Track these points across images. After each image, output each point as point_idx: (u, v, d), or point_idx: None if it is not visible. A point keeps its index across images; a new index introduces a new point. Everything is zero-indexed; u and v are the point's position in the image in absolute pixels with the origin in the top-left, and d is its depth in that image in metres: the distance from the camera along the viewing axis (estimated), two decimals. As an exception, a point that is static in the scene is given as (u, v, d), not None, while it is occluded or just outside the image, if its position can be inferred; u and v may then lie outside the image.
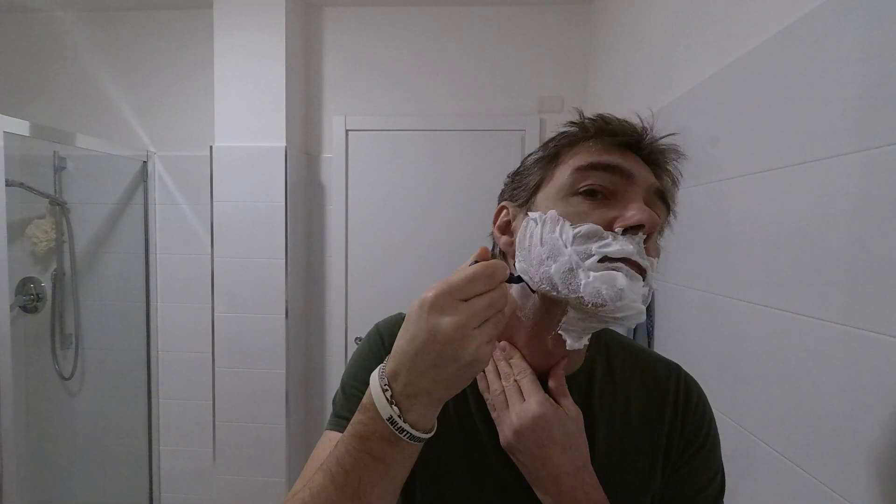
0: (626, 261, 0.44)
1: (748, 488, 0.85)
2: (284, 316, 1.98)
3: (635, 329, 1.32)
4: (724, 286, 0.96)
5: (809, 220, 0.72)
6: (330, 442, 0.51)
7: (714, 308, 1.00)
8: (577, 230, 0.45)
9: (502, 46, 2.12)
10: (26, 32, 2.17)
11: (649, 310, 1.31)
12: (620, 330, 0.79)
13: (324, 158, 2.19)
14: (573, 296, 0.45)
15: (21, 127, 1.51)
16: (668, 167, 0.51)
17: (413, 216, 2.16)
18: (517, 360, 0.53)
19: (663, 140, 0.51)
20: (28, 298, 2.10)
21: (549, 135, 0.56)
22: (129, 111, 2.17)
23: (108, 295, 2.19)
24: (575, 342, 0.47)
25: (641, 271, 0.45)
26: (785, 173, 0.78)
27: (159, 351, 2.22)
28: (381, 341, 0.58)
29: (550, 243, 0.46)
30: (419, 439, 0.40)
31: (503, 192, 0.59)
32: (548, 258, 0.47)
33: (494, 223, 0.57)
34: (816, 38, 0.72)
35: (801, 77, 0.75)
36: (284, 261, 1.97)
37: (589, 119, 0.51)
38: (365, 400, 0.42)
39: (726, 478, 0.57)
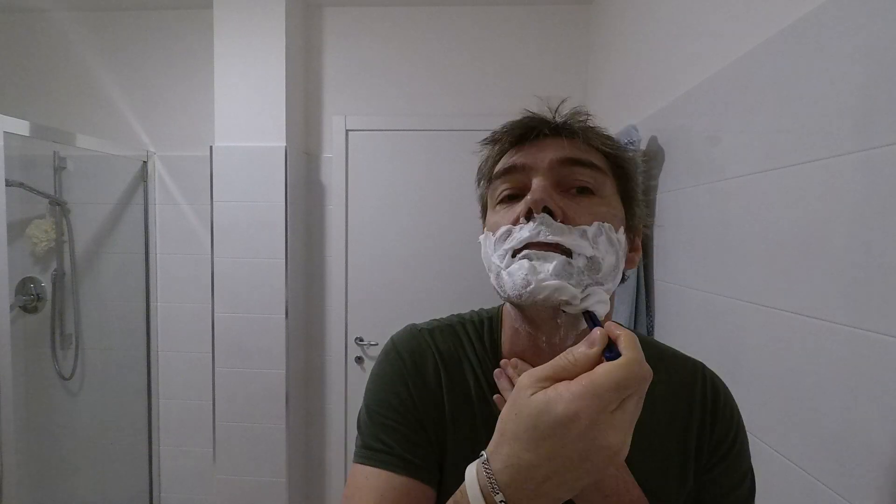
0: (530, 246, 0.45)
1: (748, 488, 0.85)
2: (284, 316, 1.98)
3: (635, 326, 1.32)
4: (724, 286, 0.96)
5: (809, 220, 0.72)
6: (366, 479, 0.48)
7: (714, 308, 1.00)
8: (496, 236, 0.48)
9: (502, 46, 2.12)
10: (26, 32, 2.17)
11: (649, 308, 1.31)
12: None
13: (324, 158, 2.19)
14: (505, 297, 0.47)
15: (21, 127, 1.51)
16: (576, 130, 0.50)
17: (413, 216, 2.16)
18: None
19: (561, 109, 0.53)
20: (28, 298, 2.10)
21: None
22: (129, 111, 2.17)
23: (108, 295, 2.19)
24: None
25: (555, 248, 0.44)
26: (785, 173, 0.78)
27: (159, 351, 2.22)
28: (402, 361, 0.55)
29: (486, 258, 0.50)
30: None
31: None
32: (489, 271, 0.49)
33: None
34: (816, 38, 0.72)
35: (801, 77, 0.75)
36: (284, 261, 1.97)
37: (499, 128, 0.53)
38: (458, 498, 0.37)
39: None
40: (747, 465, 0.55)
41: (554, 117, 0.52)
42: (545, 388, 0.34)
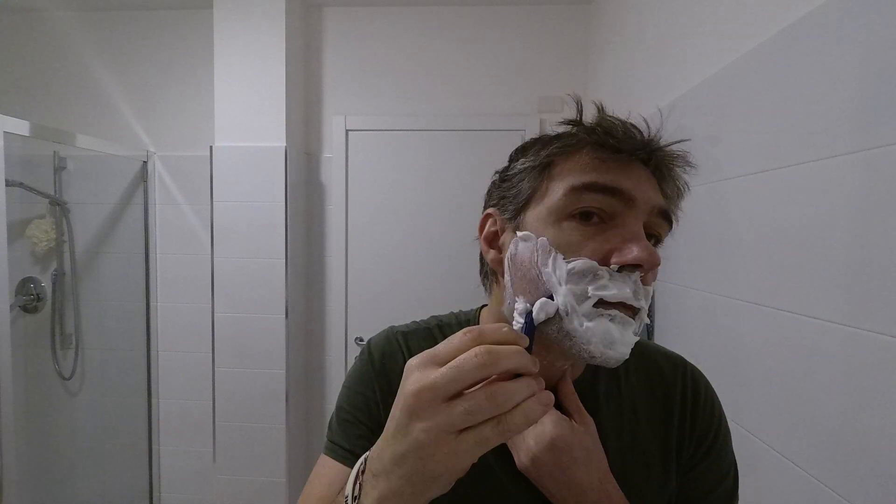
0: (620, 305, 0.41)
1: (748, 488, 0.85)
2: (284, 316, 1.98)
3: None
4: (724, 286, 0.96)
5: (809, 220, 0.72)
6: (323, 468, 0.52)
7: (714, 308, 1.00)
8: (570, 266, 0.41)
9: (502, 46, 2.12)
10: (26, 32, 2.17)
11: (650, 309, 1.31)
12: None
13: (324, 158, 2.19)
14: (561, 345, 0.42)
15: (21, 127, 1.51)
16: (674, 179, 0.46)
17: (413, 216, 2.16)
18: None
19: (672, 147, 0.46)
20: (28, 298, 2.10)
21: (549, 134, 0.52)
22: (129, 111, 2.17)
23: (108, 295, 2.19)
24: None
25: (635, 312, 0.42)
26: (785, 173, 0.78)
27: (159, 351, 2.22)
28: (371, 363, 0.56)
29: (545, 278, 0.42)
30: None
31: (489, 193, 0.53)
32: (543, 293, 0.44)
33: (480, 231, 0.52)
34: (816, 38, 0.72)
35: (801, 77, 0.75)
36: (284, 261, 1.97)
37: (589, 124, 0.45)
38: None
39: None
40: (730, 459, 0.54)
41: (654, 147, 0.45)
42: None
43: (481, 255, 0.52)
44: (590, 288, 0.41)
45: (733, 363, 0.92)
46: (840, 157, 0.66)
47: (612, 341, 0.40)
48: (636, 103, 1.51)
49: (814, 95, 0.72)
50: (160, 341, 2.21)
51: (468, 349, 0.32)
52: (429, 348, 0.48)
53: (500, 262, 0.48)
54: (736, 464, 0.55)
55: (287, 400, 1.99)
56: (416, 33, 2.13)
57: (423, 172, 2.15)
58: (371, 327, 2.19)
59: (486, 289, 0.55)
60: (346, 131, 2.16)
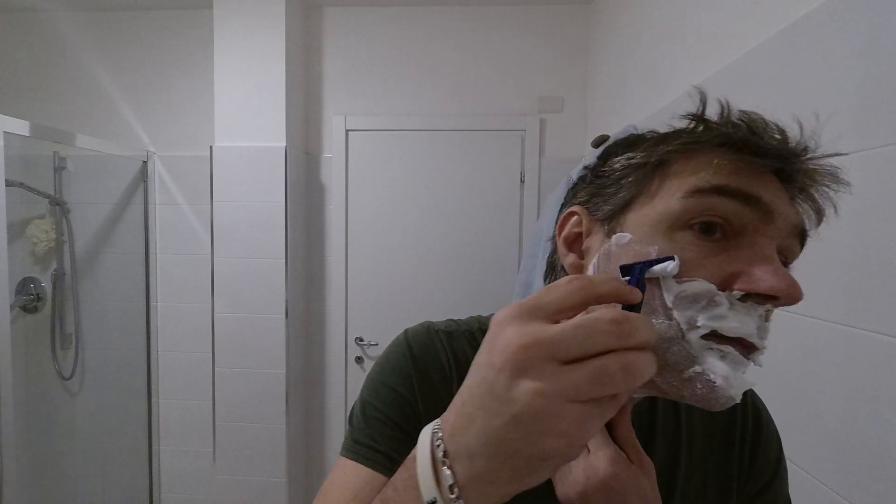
0: (737, 341, 0.33)
1: (748, 488, 0.85)
2: (284, 316, 1.98)
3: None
4: (724, 286, 0.96)
5: (809, 220, 0.72)
6: (344, 474, 0.44)
7: (714, 308, 1.00)
8: (681, 289, 0.33)
9: (502, 46, 2.12)
10: (26, 32, 2.17)
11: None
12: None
13: (324, 158, 2.19)
14: (685, 363, 0.34)
15: (21, 127, 1.51)
16: (814, 198, 0.38)
17: (413, 216, 2.16)
18: None
19: (822, 161, 0.38)
20: (28, 298, 2.10)
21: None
22: (129, 111, 2.17)
23: (108, 295, 2.19)
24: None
25: (749, 351, 0.34)
26: (785, 173, 0.78)
27: (159, 351, 2.22)
28: (411, 357, 0.48)
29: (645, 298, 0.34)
30: None
31: (575, 189, 0.45)
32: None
33: (560, 230, 0.43)
34: (816, 38, 0.72)
35: (801, 77, 0.75)
36: (284, 261, 1.97)
37: (731, 119, 0.38)
38: (407, 463, 0.31)
39: None
40: (787, 495, 0.51)
41: (799, 147, 0.37)
42: None
43: (552, 257, 0.45)
44: (701, 317, 0.33)
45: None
46: (840, 157, 0.66)
47: (717, 385, 0.32)
48: (636, 103, 1.51)
49: (814, 95, 0.72)
50: (160, 341, 2.21)
51: (577, 303, 0.27)
52: (471, 352, 0.45)
53: (581, 268, 0.41)
54: (791, 501, 0.51)
55: (287, 400, 1.99)
56: (416, 33, 2.13)
57: (423, 172, 2.15)
58: (371, 327, 2.19)
59: None
60: (346, 131, 2.16)
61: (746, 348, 0.33)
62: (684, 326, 0.33)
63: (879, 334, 0.60)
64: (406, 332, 0.51)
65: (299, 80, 2.10)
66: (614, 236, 0.38)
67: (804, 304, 0.72)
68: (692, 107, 0.39)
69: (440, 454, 0.28)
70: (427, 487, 0.28)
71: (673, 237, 0.35)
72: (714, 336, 0.33)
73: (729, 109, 0.38)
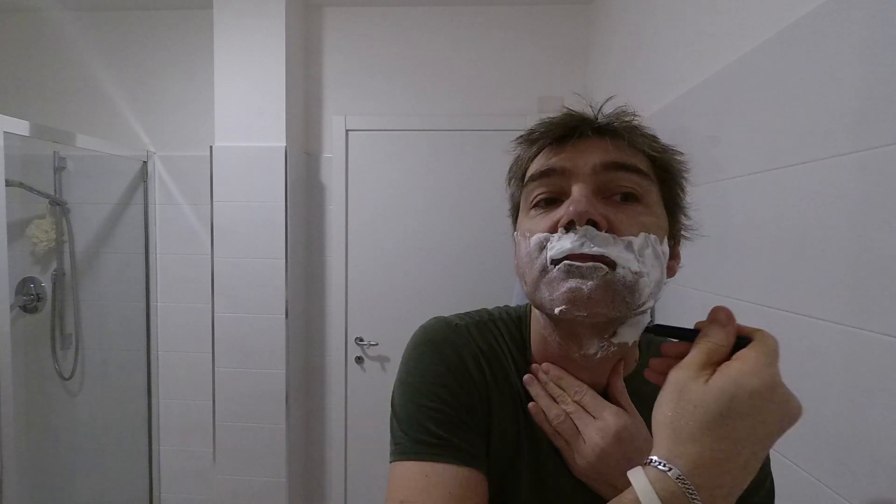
0: (571, 257, 0.41)
1: (748, 488, 0.85)
2: (284, 316, 1.98)
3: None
4: (724, 286, 0.96)
5: (809, 220, 0.72)
6: (426, 477, 0.44)
7: (714, 308, 1.00)
8: (531, 244, 0.45)
9: (502, 46, 2.12)
10: (26, 32, 2.17)
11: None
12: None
13: (324, 158, 2.19)
14: (548, 313, 0.44)
15: (21, 127, 1.51)
16: (628, 131, 0.46)
17: (413, 216, 2.16)
18: (568, 379, 0.49)
19: (605, 108, 0.48)
20: (28, 298, 2.10)
21: None
22: (129, 111, 2.17)
23: (108, 295, 2.19)
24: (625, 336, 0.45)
25: (599, 259, 0.41)
26: (785, 173, 0.78)
27: (159, 351, 2.22)
28: (443, 354, 0.51)
29: (520, 265, 0.47)
30: None
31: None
32: (521, 279, 0.47)
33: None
34: (816, 38, 0.72)
35: (801, 77, 0.75)
36: (284, 261, 1.97)
37: (536, 126, 0.49)
38: None
39: None
40: (767, 469, 0.54)
41: (596, 116, 0.48)
42: (710, 374, 0.35)
43: None
44: (542, 256, 0.44)
45: (733, 363, 0.92)
46: (839, 157, 0.66)
47: (568, 288, 0.41)
48: (636, 103, 1.51)
49: (814, 95, 0.72)
50: (160, 341, 2.21)
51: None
52: (492, 341, 0.54)
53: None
54: (772, 477, 0.54)
55: (287, 400, 1.99)
56: (416, 33, 2.13)
57: (423, 172, 2.15)
58: (371, 327, 2.19)
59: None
60: (346, 131, 2.16)
61: (588, 259, 0.42)
62: (539, 270, 0.44)
63: (880, 334, 0.60)
64: (425, 330, 0.54)
65: (299, 80, 2.10)
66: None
67: (804, 304, 0.72)
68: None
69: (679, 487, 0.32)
70: None
71: (528, 216, 0.48)
72: (556, 263, 0.43)
73: (546, 119, 0.49)
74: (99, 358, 2.19)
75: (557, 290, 0.42)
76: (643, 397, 0.51)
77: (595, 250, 0.41)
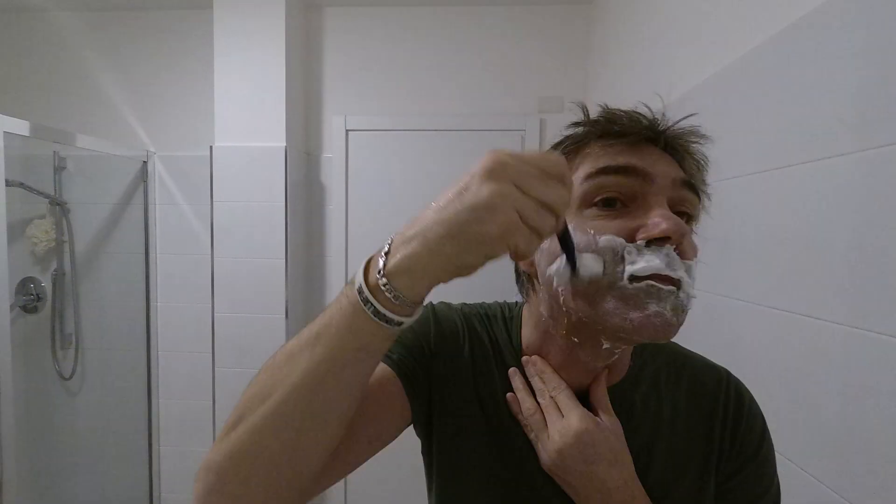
0: (654, 277, 0.40)
1: (748, 488, 0.85)
2: (284, 316, 1.98)
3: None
4: (724, 286, 0.96)
5: (809, 220, 0.72)
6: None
7: (714, 308, 1.00)
8: (598, 241, 0.42)
9: (502, 46, 2.12)
10: (26, 32, 2.17)
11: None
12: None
13: (324, 158, 2.19)
14: (599, 325, 0.42)
15: (21, 127, 1.51)
16: (690, 152, 0.46)
17: (413, 216, 2.16)
18: (550, 375, 0.50)
19: (680, 124, 0.47)
20: (28, 298, 2.10)
21: (549, 135, 0.54)
22: (129, 111, 2.17)
23: (108, 295, 2.19)
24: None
25: (674, 282, 0.41)
26: (785, 173, 0.78)
27: (159, 351, 2.22)
28: (434, 316, 0.56)
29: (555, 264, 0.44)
30: (390, 320, 0.35)
31: None
32: (555, 279, 0.45)
33: None
34: (816, 38, 0.72)
35: (801, 77, 0.75)
36: (284, 261, 1.97)
37: (593, 118, 0.47)
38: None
39: None
40: (772, 475, 0.53)
41: (663, 128, 0.46)
42: None
43: (516, 264, 0.53)
44: (625, 268, 0.40)
45: (733, 363, 0.91)
46: (839, 157, 0.66)
47: (650, 314, 0.40)
48: (636, 103, 1.51)
49: (814, 95, 0.72)
50: (160, 341, 2.21)
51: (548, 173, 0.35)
52: (480, 325, 0.56)
53: (532, 264, 0.49)
54: (779, 482, 0.53)
55: (287, 400, 1.99)
56: (416, 33, 2.13)
57: (423, 172, 2.15)
58: (371, 327, 2.19)
59: (523, 296, 0.55)
60: (346, 131, 2.16)
61: (668, 282, 0.40)
62: (618, 276, 0.41)
63: (880, 334, 0.60)
64: (432, 303, 0.58)
65: (299, 80, 2.10)
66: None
67: (804, 304, 0.72)
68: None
69: (384, 249, 0.35)
70: (358, 278, 0.35)
71: (582, 214, 0.44)
72: (633, 279, 0.40)
73: (587, 112, 0.48)
74: (99, 358, 2.19)
75: (637, 312, 0.40)
76: (631, 403, 0.51)
77: (678, 273, 0.41)
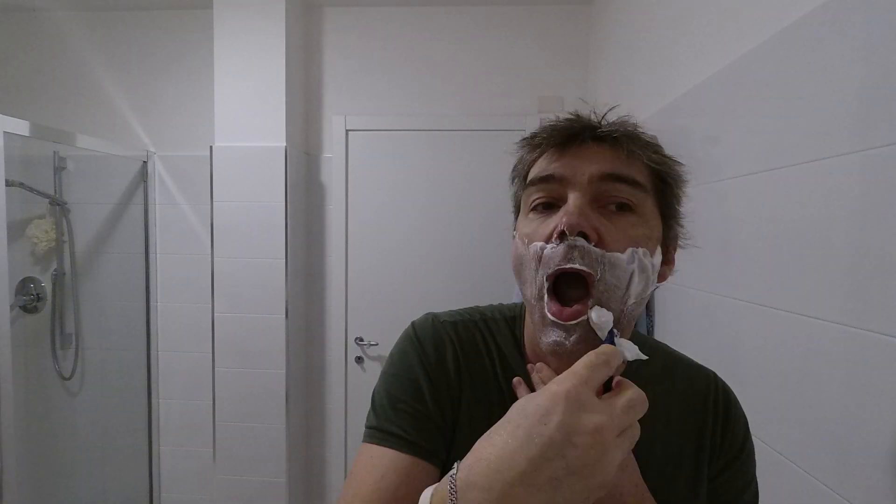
0: (560, 272, 0.43)
1: (748, 488, 0.85)
2: (284, 316, 1.98)
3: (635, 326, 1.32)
4: (724, 286, 0.96)
5: (809, 220, 0.72)
6: (371, 458, 0.48)
7: (714, 308, 1.00)
8: (530, 252, 0.46)
9: (502, 46, 2.12)
10: (26, 32, 2.17)
11: (649, 308, 1.31)
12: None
13: (324, 158, 2.19)
14: (537, 326, 0.46)
15: (21, 127, 1.51)
16: (630, 140, 0.47)
17: (413, 216, 2.16)
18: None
19: (608, 116, 0.49)
20: (28, 298, 2.10)
21: None
22: (129, 111, 2.17)
23: (108, 295, 2.19)
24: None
25: (586, 274, 0.42)
26: (785, 173, 0.78)
27: (159, 351, 2.22)
28: (422, 349, 0.54)
29: (518, 265, 0.48)
30: None
31: None
32: (518, 278, 0.48)
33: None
34: (816, 38, 0.72)
35: (801, 77, 0.75)
36: (284, 261, 1.97)
37: (540, 129, 0.50)
38: None
39: None
40: (752, 473, 0.55)
41: (599, 123, 0.48)
42: None
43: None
44: (542, 270, 0.44)
45: (733, 363, 0.92)
46: (839, 157, 0.66)
47: (560, 347, 0.43)
48: (636, 103, 1.51)
49: (814, 95, 0.72)
50: (160, 341, 2.21)
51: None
52: (475, 338, 0.56)
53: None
54: (756, 480, 0.55)
55: (287, 400, 1.99)
56: (416, 33, 2.13)
57: (423, 172, 2.15)
58: (371, 327, 2.19)
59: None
60: (346, 131, 2.16)
61: (576, 273, 0.43)
62: (544, 287, 0.44)
63: (879, 334, 0.60)
64: (413, 325, 0.57)
65: (299, 80, 2.10)
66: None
67: (804, 304, 0.72)
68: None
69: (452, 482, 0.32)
70: None
71: (528, 218, 0.48)
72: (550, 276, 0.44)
73: (552, 123, 0.50)
74: (99, 358, 2.19)
75: (544, 337, 0.44)
76: None
77: (579, 265, 0.43)
